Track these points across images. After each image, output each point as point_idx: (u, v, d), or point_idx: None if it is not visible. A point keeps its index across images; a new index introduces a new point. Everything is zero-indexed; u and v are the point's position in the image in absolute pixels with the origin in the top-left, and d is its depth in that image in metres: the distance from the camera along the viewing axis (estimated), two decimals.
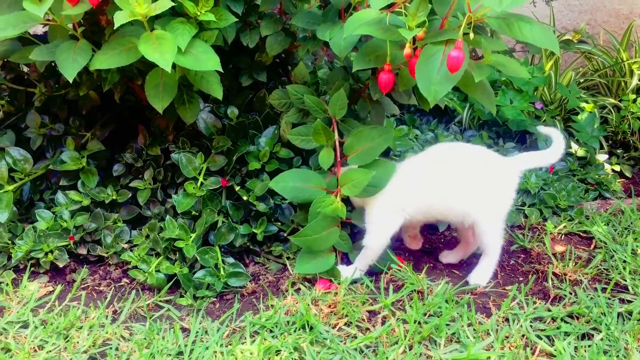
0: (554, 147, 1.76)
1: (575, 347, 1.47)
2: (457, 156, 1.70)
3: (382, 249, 1.69)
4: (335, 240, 1.67)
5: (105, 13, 1.57)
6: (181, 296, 1.67)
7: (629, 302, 1.63)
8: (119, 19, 1.38)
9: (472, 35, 1.28)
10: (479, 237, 1.72)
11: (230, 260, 1.75)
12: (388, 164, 1.67)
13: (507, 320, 1.56)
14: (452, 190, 1.66)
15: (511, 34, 1.30)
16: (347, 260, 1.75)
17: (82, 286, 1.72)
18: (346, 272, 1.69)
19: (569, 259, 1.81)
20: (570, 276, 1.74)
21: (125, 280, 1.74)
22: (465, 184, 1.66)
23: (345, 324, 1.54)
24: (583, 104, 2.52)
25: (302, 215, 1.75)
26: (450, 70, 1.27)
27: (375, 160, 1.65)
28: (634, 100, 2.56)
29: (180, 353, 1.45)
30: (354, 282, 1.69)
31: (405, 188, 1.66)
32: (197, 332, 1.52)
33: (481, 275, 1.72)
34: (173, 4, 1.43)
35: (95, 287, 1.72)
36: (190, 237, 1.72)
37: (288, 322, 1.54)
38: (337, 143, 1.70)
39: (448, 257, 1.83)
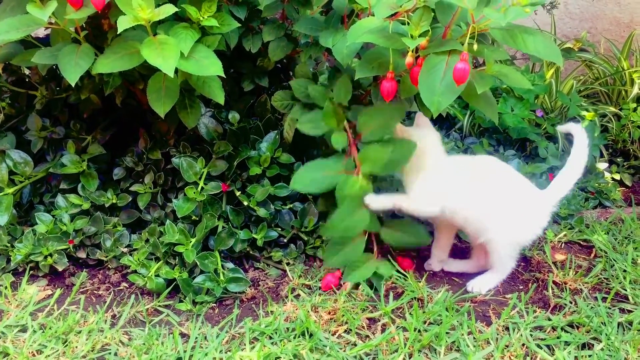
0: (574, 156, 1.74)
1: (576, 357, 1.46)
2: (501, 174, 1.70)
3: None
4: (366, 222, 1.61)
5: (108, 17, 1.57)
6: (180, 301, 1.66)
7: (630, 311, 1.63)
8: (122, 23, 1.38)
9: (475, 45, 1.29)
10: (492, 257, 1.72)
11: (230, 265, 1.74)
12: (408, 142, 1.65)
13: (507, 329, 1.56)
14: (483, 203, 1.66)
15: (515, 46, 1.31)
16: None
17: (81, 290, 1.72)
18: (375, 201, 1.66)
19: (569, 268, 1.81)
20: (570, 285, 1.73)
21: (124, 284, 1.74)
22: (496, 203, 1.66)
23: (345, 331, 1.54)
24: (583, 112, 2.52)
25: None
26: (457, 82, 1.27)
27: (393, 139, 1.65)
28: (635, 109, 2.56)
29: (180, 359, 1.44)
30: (355, 288, 1.68)
31: (444, 181, 1.66)
32: (196, 337, 1.51)
33: (482, 284, 1.72)
34: (176, 9, 1.43)
35: (95, 291, 1.72)
36: (190, 241, 1.72)
37: (288, 328, 1.53)
38: (347, 127, 1.68)
39: (452, 265, 1.83)
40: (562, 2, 3.07)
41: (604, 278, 1.78)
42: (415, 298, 1.65)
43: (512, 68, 1.46)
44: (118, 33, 1.40)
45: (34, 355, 1.46)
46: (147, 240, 1.79)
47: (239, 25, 1.63)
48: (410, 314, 1.59)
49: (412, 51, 1.37)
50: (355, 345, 1.49)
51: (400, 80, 1.47)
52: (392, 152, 1.60)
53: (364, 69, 1.47)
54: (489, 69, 1.38)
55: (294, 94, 1.81)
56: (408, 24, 1.34)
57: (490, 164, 1.74)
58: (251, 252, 1.83)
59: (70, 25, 1.53)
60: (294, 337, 1.50)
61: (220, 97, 1.59)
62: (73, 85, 1.48)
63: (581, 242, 1.99)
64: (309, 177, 1.66)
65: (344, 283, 1.68)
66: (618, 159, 2.55)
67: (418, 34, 1.34)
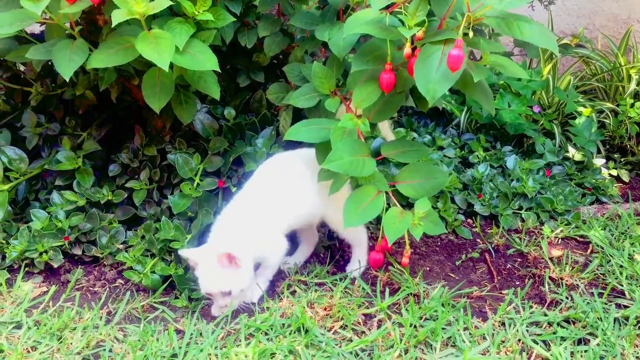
0: None
1: (572, 352, 1.46)
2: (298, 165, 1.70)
3: None
4: (372, 169, 1.48)
5: (103, 12, 1.56)
6: (176, 298, 1.66)
7: (626, 307, 1.63)
8: (117, 17, 1.37)
9: (471, 34, 1.28)
10: (342, 234, 1.74)
11: None
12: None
13: (503, 324, 1.56)
14: (308, 196, 1.67)
15: (510, 33, 1.30)
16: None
17: (77, 287, 1.71)
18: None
19: (566, 264, 1.81)
20: (566, 281, 1.73)
21: (120, 281, 1.73)
22: (310, 188, 1.66)
23: (340, 327, 1.54)
24: (581, 108, 2.51)
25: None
26: (451, 69, 1.27)
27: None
28: (632, 105, 2.56)
29: (175, 355, 1.44)
30: (351, 283, 1.68)
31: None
32: (191, 334, 1.51)
33: (355, 264, 1.74)
34: (171, 3, 1.42)
35: (90, 288, 1.71)
36: (186, 238, 1.71)
37: (283, 324, 1.53)
38: (343, 99, 1.62)
39: (296, 256, 1.80)
40: None
41: (600, 274, 1.78)
42: (411, 294, 1.65)
43: (508, 59, 1.45)
44: (112, 27, 1.40)
45: (28, 351, 1.45)
46: (142, 237, 1.79)
47: (235, 20, 1.62)
48: (406, 309, 1.58)
49: (409, 42, 1.37)
50: (351, 341, 1.48)
51: (396, 74, 1.46)
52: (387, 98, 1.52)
53: (360, 62, 1.47)
54: (485, 60, 1.38)
55: (289, 86, 1.80)
56: (405, 14, 1.33)
57: (281, 161, 1.73)
58: None
59: (64, 20, 1.52)
60: (290, 333, 1.49)
61: (216, 93, 1.59)
62: (67, 80, 1.47)
63: (578, 238, 1.98)
64: (302, 128, 1.57)
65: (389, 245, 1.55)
66: (615, 155, 2.55)
67: (414, 23, 1.33)
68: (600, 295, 1.67)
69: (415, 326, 1.52)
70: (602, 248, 1.89)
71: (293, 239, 1.77)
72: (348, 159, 1.45)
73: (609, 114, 2.58)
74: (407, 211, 1.51)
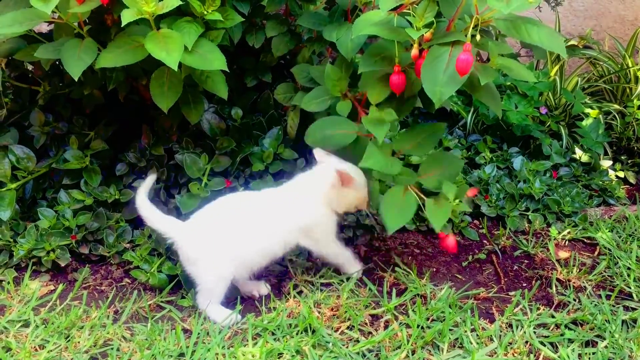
0: None
1: (579, 354, 1.46)
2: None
3: None
4: (399, 168, 1.54)
5: (112, 12, 1.57)
6: (183, 297, 1.66)
7: (634, 309, 1.62)
8: (126, 16, 1.38)
9: (478, 36, 1.28)
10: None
11: None
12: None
13: (510, 326, 1.55)
14: None
15: (519, 36, 1.30)
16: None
17: (84, 285, 1.71)
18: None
19: (573, 265, 1.80)
20: (574, 282, 1.73)
21: (126, 280, 1.74)
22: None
23: (347, 327, 1.53)
24: (588, 110, 2.51)
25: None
26: (460, 73, 1.27)
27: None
28: (639, 107, 2.55)
29: (182, 354, 1.44)
30: (357, 285, 1.68)
31: None
32: (198, 333, 1.51)
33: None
34: (180, 2, 1.43)
35: (97, 287, 1.71)
36: None
37: (290, 324, 1.53)
38: (351, 96, 1.63)
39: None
40: None
41: (608, 276, 1.77)
42: (418, 295, 1.65)
43: (516, 62, 1.45)
44: (122, 26, 1.40)
45: (36, 350, 1.45)
46: (149, 236, 1.79)
47: (243, 20, 1.62)
48: (413, 310, 1.58)
49: (417, 43, 1.37)
50: (358, 341, 1.48)
51: (405, 74, 1.46)
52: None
53: (367, 63, 1.47)
54: (493, 62, 1.37)
55: (296, 86, 1.80)
56: (413, 15, 1.33)
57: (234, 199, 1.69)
58: None
59: (73, 19, 1.52)
60: (297, 333, 1.49)
61: (223, 92, 1.59)
62: (76, 79, 1.47)
63: (585, 240, 1.98)
64: (321, 134, 1.60)
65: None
66: (622, 157, 2.54)
67: (422, 25, 1.33)
68: (608, 297, 1.67)
69: (422, 327, 1.52)
70: (610, 250, 1.89)
71: None
72: (381, 157, 1.49)
73: (616, 115, 2.58)
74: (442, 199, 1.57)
